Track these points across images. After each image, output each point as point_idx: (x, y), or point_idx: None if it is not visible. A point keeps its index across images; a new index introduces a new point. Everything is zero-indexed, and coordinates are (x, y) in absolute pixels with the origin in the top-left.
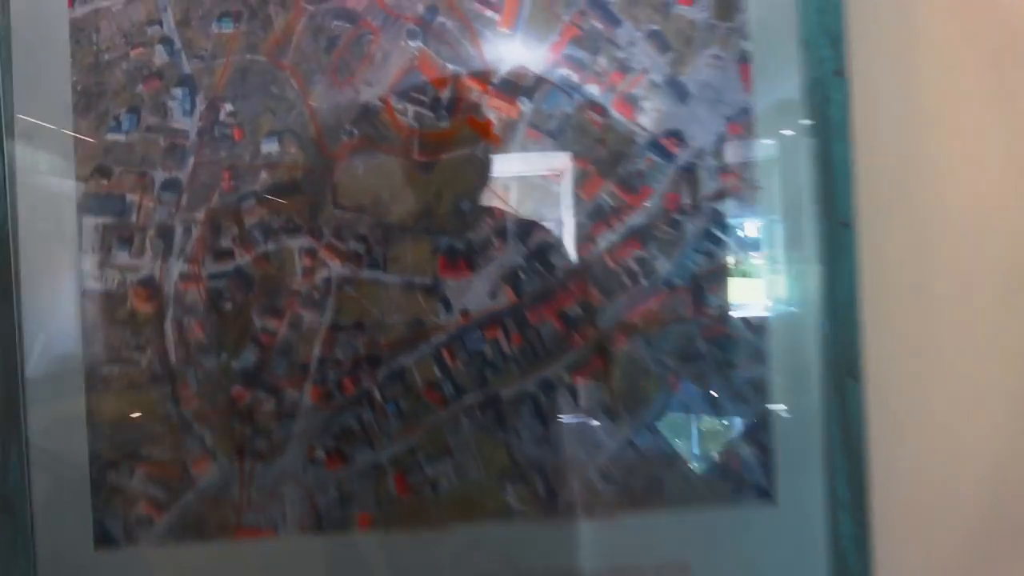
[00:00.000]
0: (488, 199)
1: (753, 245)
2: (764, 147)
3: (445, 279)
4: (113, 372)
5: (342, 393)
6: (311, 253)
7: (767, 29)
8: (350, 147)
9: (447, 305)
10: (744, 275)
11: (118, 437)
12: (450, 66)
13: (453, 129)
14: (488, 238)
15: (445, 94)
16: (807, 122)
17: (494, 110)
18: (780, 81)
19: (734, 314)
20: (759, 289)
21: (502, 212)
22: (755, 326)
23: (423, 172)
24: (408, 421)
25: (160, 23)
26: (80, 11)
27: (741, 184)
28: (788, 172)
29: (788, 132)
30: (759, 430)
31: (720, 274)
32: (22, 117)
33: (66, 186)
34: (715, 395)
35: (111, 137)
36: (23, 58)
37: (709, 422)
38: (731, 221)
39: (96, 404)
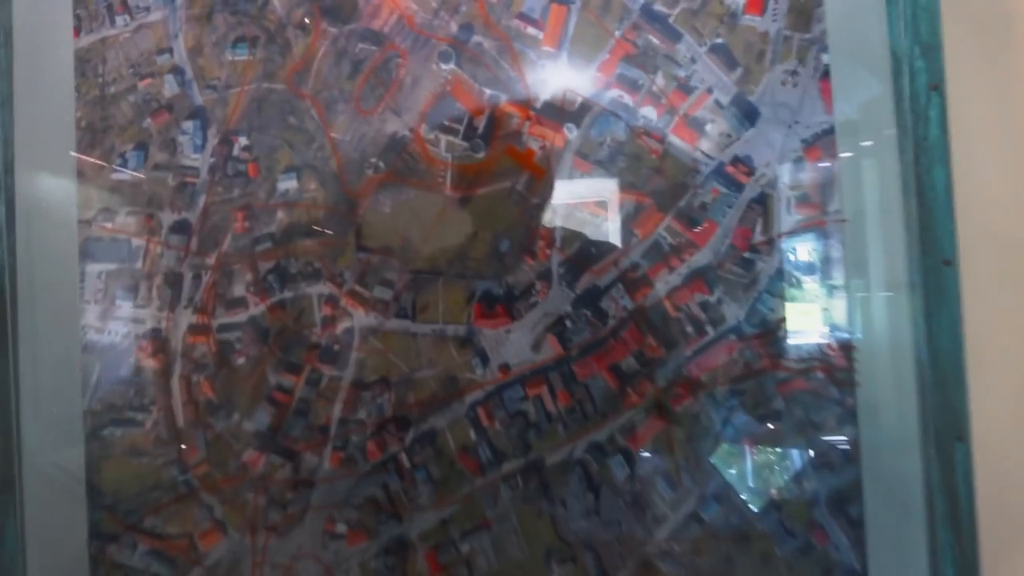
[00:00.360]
0: (530, 238)
1: (838, 287)
2: (849, 173)
3: (481, 329)
4: (115, 435)
5: (366, 458)
6: (332, 301)
7: (850, 40)
8: (376, 182)
9: (484, 358)
10: (828, 322)
11: (120, 507)
12: (487, 90)
13: (490, 160)
14: (530, 282)
15: (481, 122)
16: (899, 144)
17: (536, 138)
18: (866, 98)
19: (817, 366)
20: (845, 337)
21: (546, 253)
22: (842, 380)
23: (457, 209)
24: (440, 490)
25: (170, 51)
26: (86, 41)
27: (823, 217)
28: (878, 202)
29: (877, 156)
30: (848, 501)
31: (799, 320)
32: (23, 157)
33: (68, 230)
34: (796, 460)
35: (116, 176)
36: (25, 93)
37: (789, 492)
38: (811, 259)
39: (97, 470)
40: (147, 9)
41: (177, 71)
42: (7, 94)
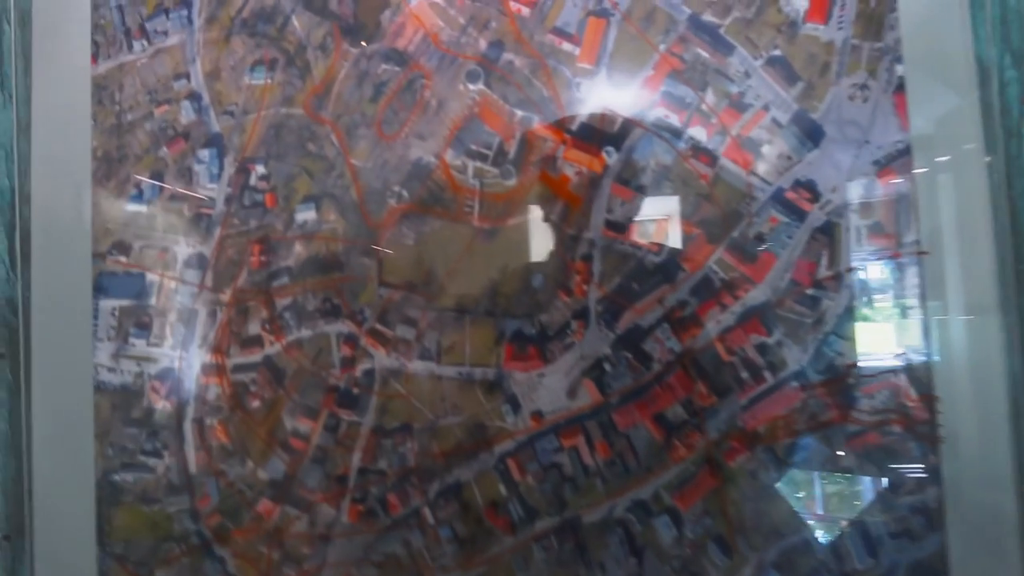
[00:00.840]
0: (565, 273)
1: (918, 327)
2: (928, 198)
3: (512, 372)
4: (127, 481)
5: (386, 512)
6: (351, 341)
7: (928, 48)
8: (398, 213)
9: (514, 405)
10: (906, 367)
11: (131, 558)
12: (518, 112)
13: (521, 188)
14: (565, 321)
15: (512, 146)
16: (986, 163)
17: (572, 163)
18: (947, 114)
19: (893, 419)
20: (927, 384)
21: (583, 289)
22: (923, 434)
23: (485, 240)
24: (466, 550)
25: (187, 76)
26: (104, 67)
27: (899, 248)
28: (963, 230)
29: (961, 179)
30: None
31: (872, 365)
32: (39, 188)
33: (82, 265)
34: (869, 526)
35: (132, 208)
36: (43, 122)
37: (861, 563)
38: (887, 297)
39: (108, 518)
40: (165, 33)
41: (194, 97)
42: (26, 123)
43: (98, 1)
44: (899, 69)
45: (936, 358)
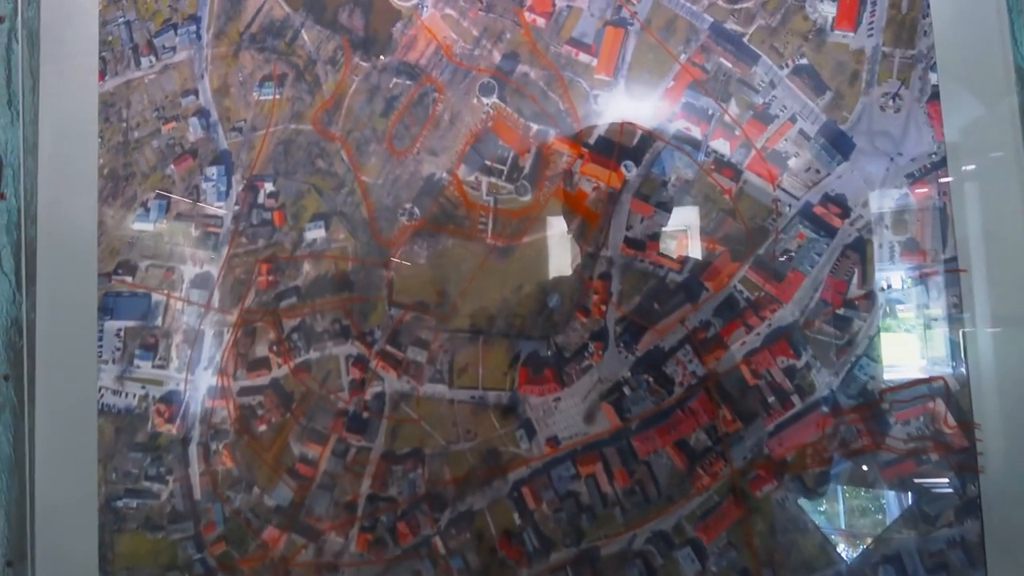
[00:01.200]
0: (582, 293)
1: (954, 349)
2: (966, 213)
3: (527, 396)
4: (130, 507)
5: (396, 541)
6: (361, 363)
7: (964, 55)
8: (410, 231)
9: (529, 430)
10: (943, 391)
11: None
12: (533, 126)
13: (537, 204)
14: (582, 343)
15: (527, 161)
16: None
17: (590, 178)
18: (984, 122)
19: (930, 447)
20: (965, 410)
21: (601, 309)
22: (961, 464)
23: (499, 259)
24: None
25: (195, 92)
26: (111, 84)
27: (934, 266)
28: (1003, 247)
29: (1000, 191)
30: None
31: (908, 390)
32: (46, 207)
33: (87, 285)
34: (904, 560)
35: (138, 227)
36: (50, 141)
37: None
38: (921, 317)
39: (111, 545)
40: (173, 49)
41: (202, 113)
42: (33, 142)
43: (106, 17)
44: (933, 77)
45: (974, 379)
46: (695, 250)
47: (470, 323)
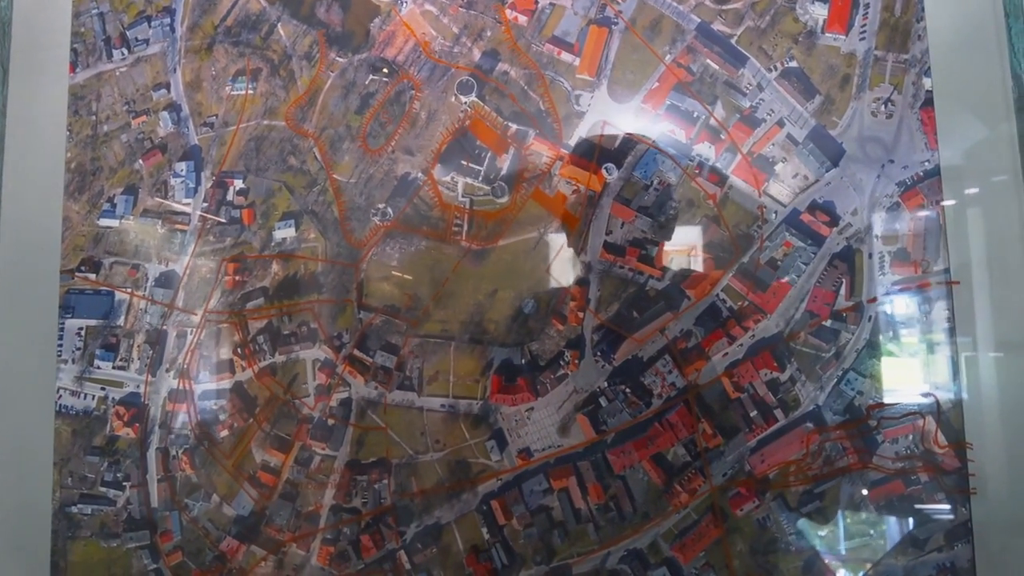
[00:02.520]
0: (558, 299)
1: (946, 364)
2: (958, 223)
3: (499, 406)
4: (85, 513)
5: (359, 555)
6: (328, 367)
7: (959, 61)
8: (382, 232)
9: (501, 441)
10: (934, 408)
11: None
12: (512, 126)
13: (514, 207)
14: (558, 351)
15: (505, 162)
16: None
17: (569, 181)
18: (980, 132)
19: (919, 467)
20: (956, 429)
21: (577, 316)
22: (952, 486)
23: (474, 262)
24: None
25: (167, 86)
26: (82, 76)
27: (926, 277)
28: (997, 258)
29: (994, 201)
30: None
31: (896, 407)
32: (10, 202)
33: (49, 282)
34: None
35: (104, 222)
36: (17, 133)
37: None
38: (912, 331)
39: (63, 553)
40: (146, 42)
41: (173, 107)
42: (0, 133)
43: (79, 8)
44: (927, 82)
45: (966, 398)
46: (677, 257)
47: (442, 328)
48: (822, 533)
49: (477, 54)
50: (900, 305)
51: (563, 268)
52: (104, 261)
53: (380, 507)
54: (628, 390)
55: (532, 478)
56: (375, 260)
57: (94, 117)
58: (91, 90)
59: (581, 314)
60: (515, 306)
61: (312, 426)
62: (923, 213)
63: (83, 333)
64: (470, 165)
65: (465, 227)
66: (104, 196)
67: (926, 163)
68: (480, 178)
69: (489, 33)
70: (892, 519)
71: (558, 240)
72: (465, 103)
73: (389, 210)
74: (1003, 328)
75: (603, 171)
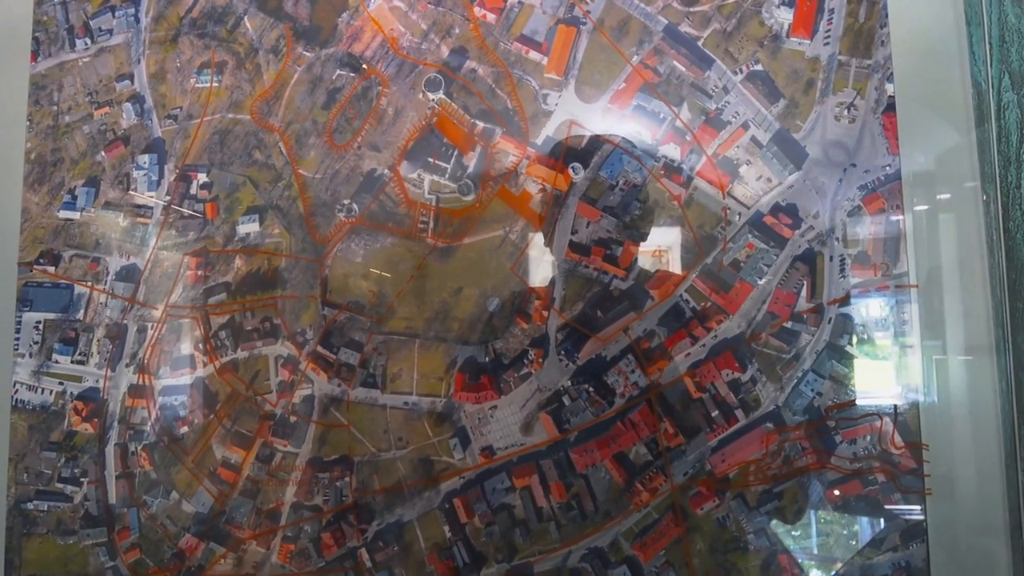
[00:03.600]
0: (523, 297)
1: (905, 366)
2: (918, 227)
3: (462, 404)
4: (41, 510)
5: (320, 553)
6: (291, 364)
7: (921, 67)
8: (347, 228)
9: (464, 439)
10: (892, 410)
11: None
12: (480, 123)
13: (480, 205)
14: (522, 349)
15: (471, 160)
16: (982, 192)
17: (535, 179)
18: (940, 137)
19: (876, 467)
20: (914, 430)
21: (542, 315)
22: (909, 487)
23: (439, 260)
24: None
25: (131, 77)
26: (43, 66)
27: (886, 280)
28: (956, 263)
29: (954, 207)
30: None
31: (854, 408)
32: None
33: (7, 275)
34: None
35: (64, 214)
36: None
37: None
38: (871, 333)
39: (17, 551)
40: (110, 32)
41: (136, 99)
42: None
43: None
44: (889, 88)
45: (923, 400)
46: (641, 257)
47: (406, 325)
48: (781, 532)
49: (445, 51)
50: (860, 308)
51: (528, 267)
52: (64, 254)
53: (342, 505)
54: (591, 389)
55: (495, 476)
56: (340, 256)
57: (55, 107)
58: (53, 80)
59: (546, 313)
60: (480, 304)
61: (274, 423)
62: (884, 217)
63: (41, 327)
64: (437, 162)
65: (431, 224)
66: (65, 188)
67: (887, 167)
68: (447, 175)
69: (457, 30)
70: (849, 519)
71: (524, 239)
72: (432, 100)
73: (355, 206)
74: (960, 332)
75: (569, 170)
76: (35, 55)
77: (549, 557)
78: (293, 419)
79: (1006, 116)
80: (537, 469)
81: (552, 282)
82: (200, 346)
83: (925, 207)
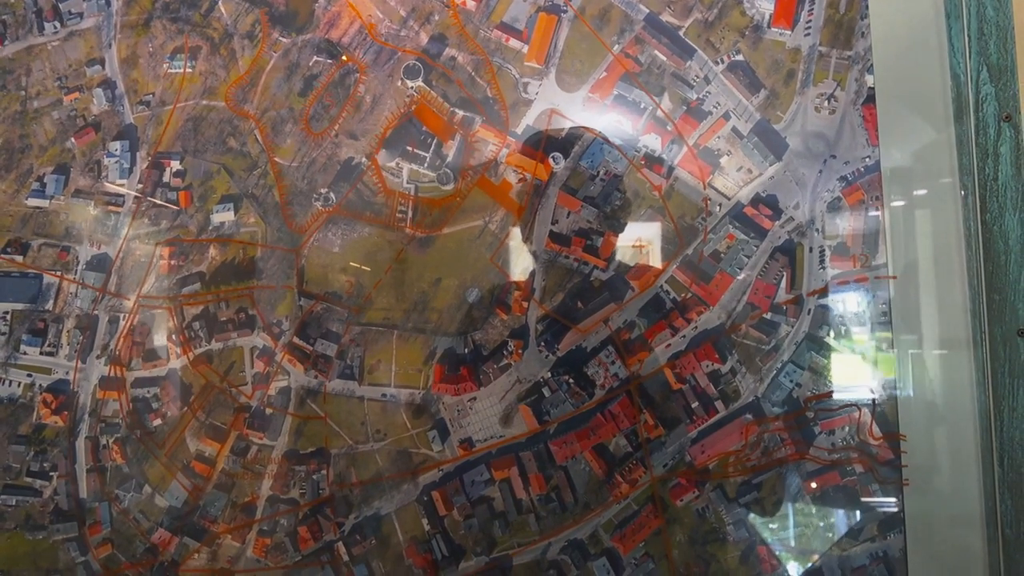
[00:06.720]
0: (503, 288)
1: (883, 358)
2: (897, 219)
3: (441, 396)
4: (9, 505)
5: (296, 547)
6: (266, 355)
7: (901, 59)
8: (324, 217)
9: (442, 431)
10: (870, 401)
11: None
12: (459, 112)
13: (459, 194)
14: (501, 341)
15: (451, 149)
16: (960, 185)
17: (515, 169)
18: (919, 129)
19: (855, 458)
20: (891, 422)
21: (522, 306)
22: (887, 478)
23: (418, 250)
24: None
25: (102, 62)
26: (10, 49)
27: (864, 272)
28: (934, 255)
29: (933, 200)
30: None
31: (833, 399)
32: None
33: None
34: (826, 574)
35: (32, 202)
36: None
37: None
38: (851, 324)
39: None
40: (80, 15)
41: (108, 84)
42: None
43: None
44: (869, 79)
45: (902, 392)
46: (622, 247)
47: (384, 316)
48: (759, 524)
49: (424, 38)
50: (839, 299)
51: (508, 257)
52: (32, 243)
53: (319, 498)
54: (571, 380)
55: (473, 468)
56: (317, 246)
57: (23, 92)
58: (20, 64)
59: (525, 304)
60: (459, 295)
61: (249, 415)
62: (863, 209)
63: (8, 317)
64: (415, 151)
65: (410, 214)
66: (33, 175)
67: (867, 159)
68: (425, 164)
69: (437, 17)
70: (828, 509)
71: (503, 229)
72: (411, 88)
73: (332, 195)
74: (937, 323)
75: (550, 160)
76: (2, 39)
77: (528, 549)
78: (269, 411)
79: (984, 109)
80: (517, 461)
81: (532, 273)
82: (174, 337)
83: (903, 199)
